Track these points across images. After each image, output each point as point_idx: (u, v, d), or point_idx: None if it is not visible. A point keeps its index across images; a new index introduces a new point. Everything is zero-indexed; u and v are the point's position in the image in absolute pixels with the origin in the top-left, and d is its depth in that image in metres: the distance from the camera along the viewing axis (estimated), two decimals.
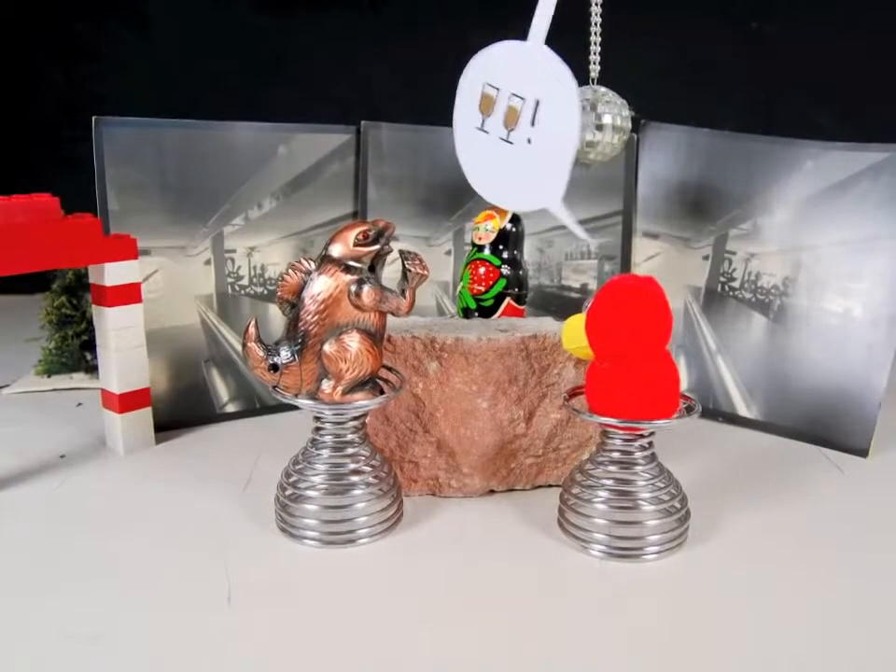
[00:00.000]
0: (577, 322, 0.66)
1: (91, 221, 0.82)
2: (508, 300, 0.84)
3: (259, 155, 0.95)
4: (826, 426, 0.88)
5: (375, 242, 0.66)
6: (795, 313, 0.90)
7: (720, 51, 1.38)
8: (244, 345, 0.68)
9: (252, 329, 0.67)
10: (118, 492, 0.78)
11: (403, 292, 0.67)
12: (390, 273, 0.71)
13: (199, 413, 0.94)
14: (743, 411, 0.93)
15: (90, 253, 0.81)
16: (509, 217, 0.85)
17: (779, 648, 0.55)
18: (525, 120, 0.60)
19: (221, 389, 0.95)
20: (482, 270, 0.84)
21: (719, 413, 0.95)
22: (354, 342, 0.66)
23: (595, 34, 0.76)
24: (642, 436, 0.66)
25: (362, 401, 0.67)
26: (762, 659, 0.54)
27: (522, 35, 1.43)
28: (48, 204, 0.80)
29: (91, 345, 1.08)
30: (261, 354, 0.67)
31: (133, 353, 0.85)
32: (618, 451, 0.67)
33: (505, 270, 0.84)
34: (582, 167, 0.98)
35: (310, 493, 0.69)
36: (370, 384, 0.68)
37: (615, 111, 0.76)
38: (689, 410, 0.67)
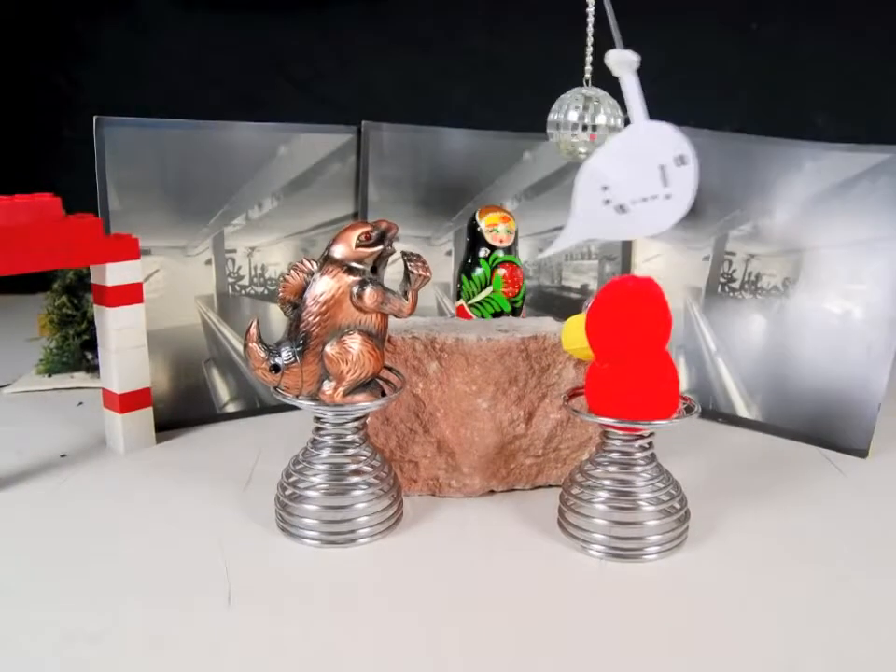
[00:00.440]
0: (577, 322, 0.66)
1: (92, 221, 0.82)
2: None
3: (260, 155, 0.95)
4: (826, 426, 0.88)
5: (378, 243, 0.66)
6: (795, 314, 0.90)
7: (720, 51, 1.38)
8: (245, 346, 0.68)
9: (253, 330, 0.67)
10: (118, 491, 0.78)
11: (405, 294, 0.68)
12: (391, 273, 0.71)
13: (199, 413, 0.94)
14: (743, 411, 0.93)
15: (91, 253, 0.81)
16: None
17: (779, 648, 0.55)
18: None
19: (222, 389, 0.95)
20: (516, 272, 0.83)
21: (718, 413, 0.95)
22: (355, 343, 0.66)
23: (590, 34, 0.76)
24: (642, 436, 0.66)
25: (363, 403, 0.67)
26: (761, 659, 0.54)
27: (522, 34, 1.43)
28: (49, 204, 0.80)
29: (91, 345, 1.08)
30: (263, 354, 0.67)
31: (135, 353, 0.85)
32: (618, 451, 0.67)
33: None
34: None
35: (310, 493, 0.69)
36: (371, 384, 0.68)
37: (608, 112, 0.76)
38: (688, 410, 0.67)
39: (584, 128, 0.75)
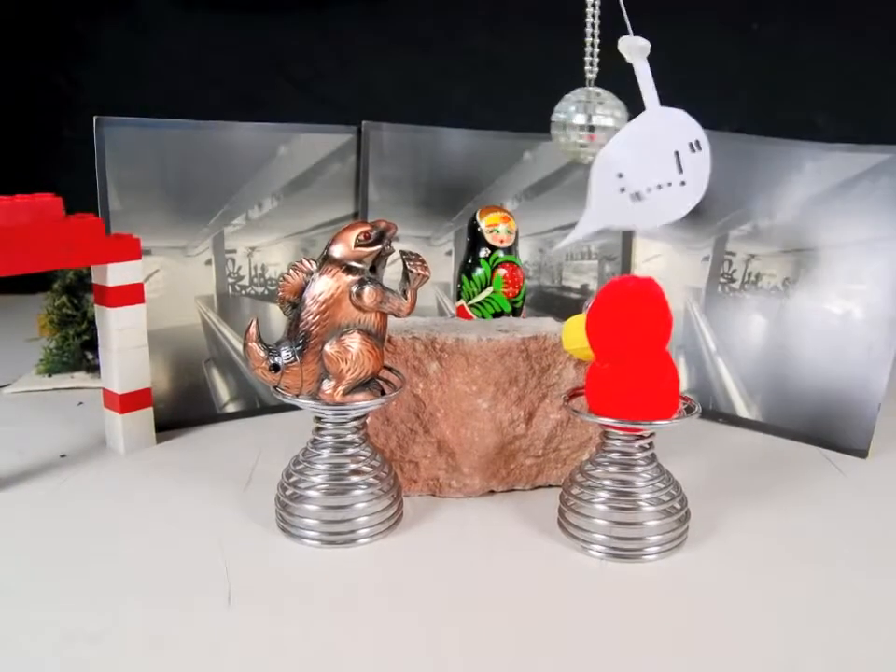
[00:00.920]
0: (577, 323, 0.66)
1: (93, 221, 0.82)
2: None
3: (260, 155, 0.95)
4: (826, 427, 0.88)
5: (377, 242, 0.66)
6: (795, 314, 0.90)
7: (720, 51, 1.38)
8: (245, 345, 0.68)
9: (253, 330, 0.67)
10: (118, 491, 0.78)
11: (405, 293, 0.68)
12: (391, 273, 0.71)
13: (199, 413, 0.94)
14: (743, 412, 0.93)
15: (92, 253, 0.81)
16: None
17: (779, 648, 0.55)
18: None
19: (222, 389, 0.95)
20: (516, 273, 0.83)
21: (719, 413, 0.95)
22: (355, 342, 0.66)
23: (592, 35, 0.76)
24: (642, 436, 0.66)
25: (363, 402, 0.67)
26: (762, 659, 0.54)
27: (522, 34, 1.43)
28: (50, 204, 0.80)
29: (92, 345, 1.08)
30: (262, 354, 0.67)
31: (135, 353, 0.85)
32: (618, 451, 0.67)
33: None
34: (584, 168, 0.99)
35: (310, 493, 0.69)
36: (370, 384, 0.68)
37: (609, 112, 0.76)
38: (689, 410, 0.67)
39: (589, 129, 0.75)
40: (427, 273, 0.68)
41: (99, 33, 1.54)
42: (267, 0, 1.49)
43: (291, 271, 0.66)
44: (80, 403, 1.01)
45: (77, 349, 1.10)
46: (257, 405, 0.97)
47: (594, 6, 0.74)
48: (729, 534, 0.70)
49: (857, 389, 0.86)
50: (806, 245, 0.90)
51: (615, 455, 0.67)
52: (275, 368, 0.67)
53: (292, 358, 0.66)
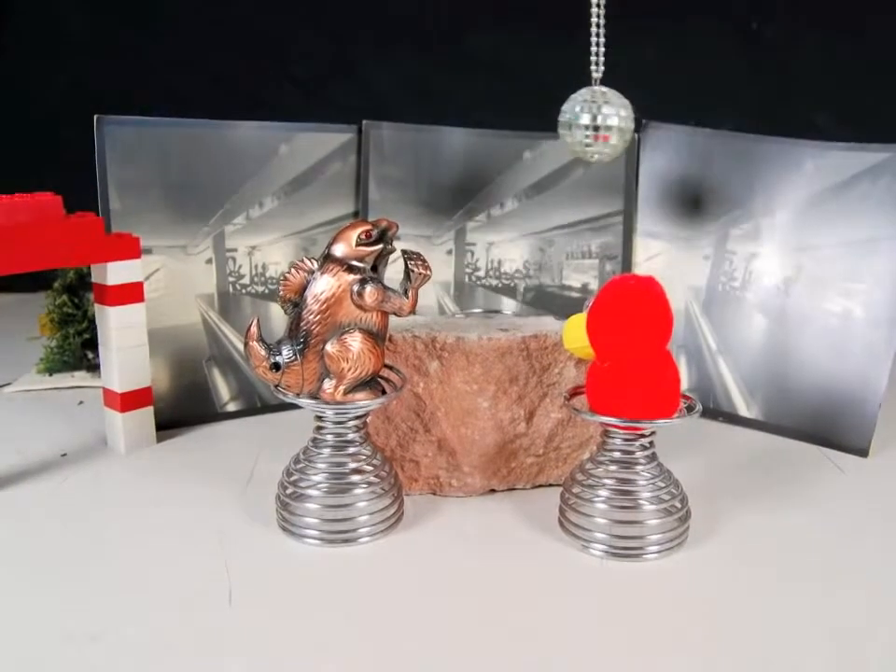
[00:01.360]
0: (578, 321, 0.66)
1: (93, 220, 0.82)
2: None
3: (261, 154, 0.95)
4: (826, 426, 0.88)
5: (378, 241, 0.67)
6: (796, 313, 0.90)
7: (720, 51, 1.39)
8: (245, 344, 0.68)
9: (254, 329, 0.67)
10: (119, 491, 0.78)
11: (406, 292, 0.68)
12: (392, 272, 0.71)
13: (200, 412, 0.94)
14: (743, 410, 0.94)
15: (92, 252, 0.81)
16: None
17: (779, 648, 0.55)
18: None
19: (222, 388, 0.95)
20: None
21: (719, 412, 0.95)
22: (356, 341, 0.66)
23: (597, 34, 0.76)
24: (643, 435, 0.66)
25: (364, 401, 0.67)
26: (762, 659, 0.54)
27: (522, 34, 1.43)
28: (50, 203, 0.80)
29: (92, 344, 1.08)
30: (263, 353, 0.67)
31: (135, 352, 0.85)
32: (618, 450, 0.67)
33: None
34: (584, 167, 0.99)
35: (311, 492, 0.69)
36: (371, 383, 0.68)
37: (616, 111, 0.76)
38: (689, 409, 0.67)
39: (596, 128, 0.75)
40: (428, 272, 0.68)
41: (99, 32, 1.54)
42: None
43: (292, 270, 0.66)
44: (81, 402, 1.01)
45: (77, 348, 1.10)
46: (257, 404, 0.97)
47: (598, 5, 0.74)
48: (729, 533, 0.70)
49: (857, 388, 0.86)
50: (807, 244, 0.90)
51: (616, 454, 0.67)
52: (276, 367, 0.67)
53: (293, 357, 0.66)
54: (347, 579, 0.63)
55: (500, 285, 1.02)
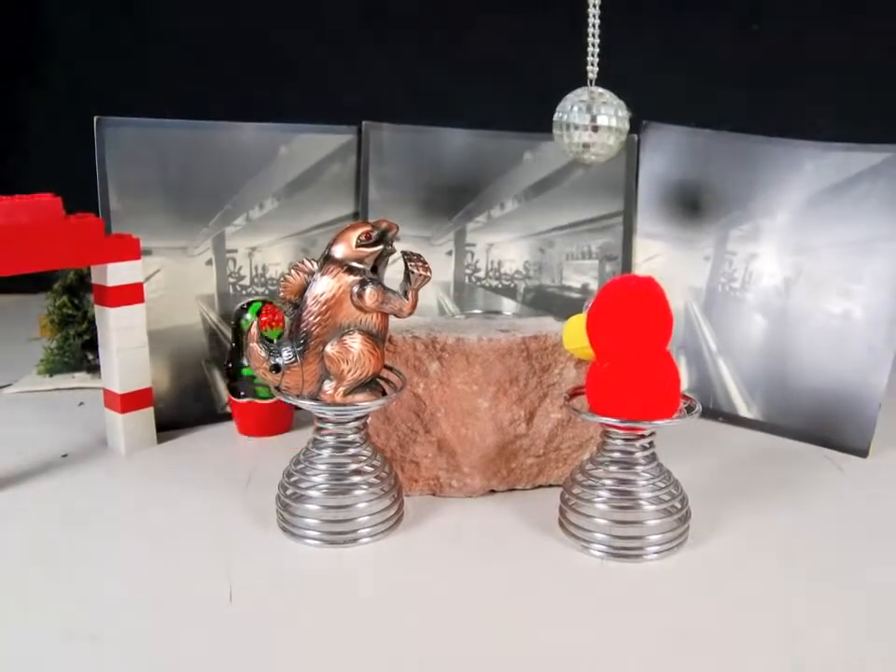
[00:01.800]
0: (578, 322, 0.66)
1: (93, 221, 0.82)
2: None
3: (261, 155, 0.95)
4: (826, 426, 0.88)
5: (378, 243, 0.67)
6: (796, 313, 0.90)
7: (720, 51, 1.38)
8: (245, 345, 0.68)
9: (254, 330, 0.67)
10: (119, 492, 0.78)
11: (406, 293, 0.68)
12: (391, 272, 0.71)
13: (200, 413, 0.94)
14: (743, 411, 0.94)
15: (92, 253, 0.81)
16: None
17: (779, 648, 0.55)
18: None
19: (223, 389, 0.95)
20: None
21: (719, 413, 0.95)
22: (356, 343, 0.66)
23: (593, 35, 0.76)
24: (643, 436, 0.67)
25: (364, 402, 0.67)
26: (762, 659, 0.54)
27: (522, 34, 1.43)
28: (50, 204, 0.80)
29: (92, 345, 1.08)
30: (263, 354, 0.67)
31: (135, 353, 0.85)
32: (618, 451, 0.67)
33: None
34: (584, 167, 0.99)
35: (311, 492, 0.69)
36: (371, 384, 0.68)
37: (611, 112, 0.76)
38: (689, 410, 0.67)
39: (592, 128, 0.75)
40: (428, 273, 0.68)
41: (100, 32, 1.54)
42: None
43: (292, 271, 0.66)
44: (81, 403, 1.02)
45: (77, 349, 1.10)
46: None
47: (595, 5, 0.75)
48: (729, 533, 0.70)
49: (857, 388, 0.86)
50: (807, 244, 0.90)
51: (616, 455, 0.67)
52: (276, 368, 0.67)
53: (293, 359, 0.67)
54: (347, 579, 0.63)
55: (500, 285, 1.02)
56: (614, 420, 0.64)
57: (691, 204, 0.97)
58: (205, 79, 1.48)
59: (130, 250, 0.83)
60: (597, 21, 0.75)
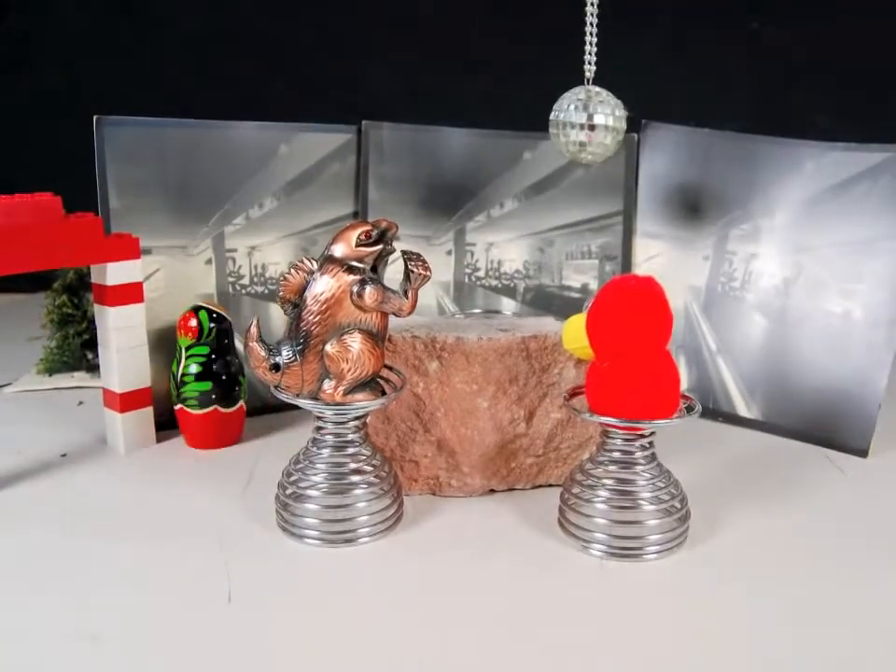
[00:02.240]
0: (577, 322, 0.66)
1: (92, 220, 0.82)
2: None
3: (261, 154, 0.95)
4: (826, 426, 0.88)
5: (378, 242, 0.67)
6: (795, 313, 0.90)
7: (720, 51, 1.38)
8: (245, 345, 0.68)
9: (254, 329, 0.67)
10: (119, 491, 0.78)
11: (405, 293, 0.68)
12: (391, 272, 0.71)
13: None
14: (743, 411, 0.93)
15: (91, 252, 0.81)
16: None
17: (779, 648, 0.55)
18: None
19: None
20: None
21: (719, 413, 0.95)
22: (355, 342, 0.66)
23: (591, 34, 0.76)
24: (642, 436, 0.66)
25: (363, 402, 0.67)
26: (761, 659, 0.54)
27: (521, 34, 1.43)
28: (49, 203, 0.80)
29: (92, 344, 1.08)
30: (263, 353, 0.67)
31: (135, 352, 0.85)
32: (618, 451, 0.67)
33: None
34: (584, 167, 0.99)
35: (311, 492, 0.69)
36: (371, 384, 0.68)
37: (608, 111, 0.76)
38: (689, 409, 0.67)
39: (589, 127, 0.75)
40: (428, 272, 0.68)
41: (101, 31, 1.54)
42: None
43: (292, 270, 0.66)
44: (81, 402, 1.01)
45: (77, 348, 1.10)
46: (257, 404, 0.97)
47: (593, 4, 0.75)
48: (729, 533, 0.70)
49: (857, 388, 0.86)
50: (807, 244, 0.90)
51: (615, 455, 0.67)
52: (276, 367, 0.67)
53: (293, 358, 0.66)
54: (347, 579, 0.63)
55: (500, 285, 1.02)
56: (614, 420, 0.64)
57: (691, 204, 0.97)
58: (205, 79, 1.49)
59: (129, 250, 0.83)
60: (595, 20, 0.75)
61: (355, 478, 0.69)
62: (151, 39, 1.52)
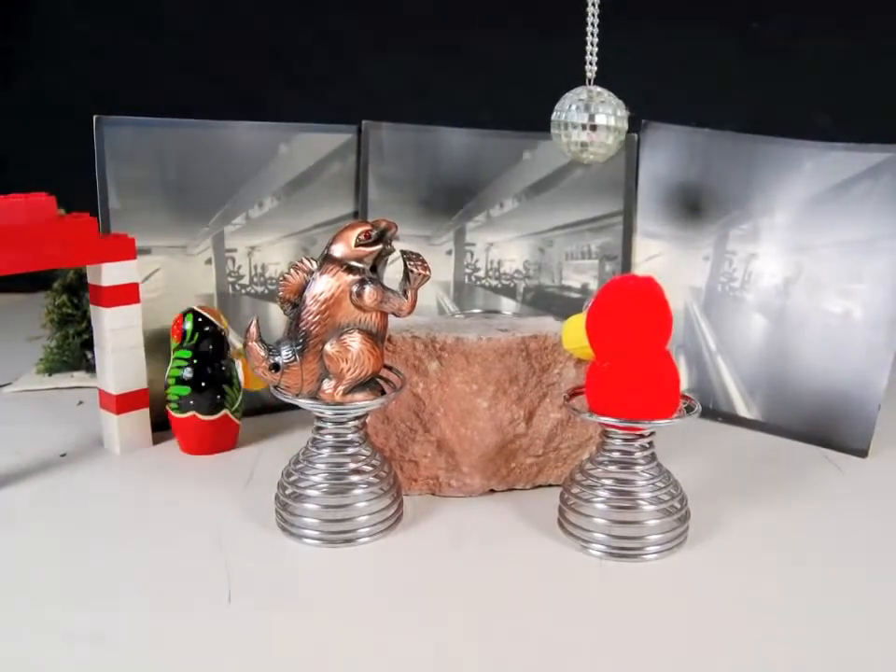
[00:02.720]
0: (577, 322, 0.66)
1: (87, 221, 0.82)
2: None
3: (260, 154, 0.95)
4: (826, 426, 0.88)
5: (377, 242, 0.66)
6: (795, 313, 0.90)
7: (720, 51, 1.38)
8: (245, 345, 0.68)
9: (253, 329, 0.67)
10: (119, 491, 0.78)
11: (405, 293, 0.68)
12: (391, 272, 0.71)
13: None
14: (743, 411, 0.93)
15: (87, 253, 0.81)
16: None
17: (779, 648, 0.55)
18: None
19: None
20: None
21: (719, 413, 0.95)
22: (355, 342, 0.66)
23: (592, 34, 0.76)
24: (642, 436, 0.66)
25: (363, 402, 0.67)
26: (761, 659, 0.54)
27: (521, 34, 1.43)
28: (44, 204, 0.79)
29: (92, 344, 1.07)
30: (263, 353, 0.67)
31: (130, 353, 0.85)
32: (618, 451, 0.67)
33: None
34: (584, 167, 0.99)
35: (310, 492, 0.69)
36: (370, 383, 0.68)
37: (609, 111, 0.75)
38: (689, 410, 0.67)
39: (591, 128, 0.75)
40: (427, 272, 0.68)
41: (100, 31, 1.54)
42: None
43: (292, 270, 0.66)
44: (80, 402, 1.01)
45: (76, 348, 1.10)
46: (256, 404, 0.97)
47: (594, 4, 0.74)
48: (729, 533, 0.70)
49: (857, 389, 0.86)
50: (807, 244, 0.90)
51: (615, 455, 0.67)
52: (275, 367, 0.67)
53: (292, 358, 0.66)
54: (347, 579, 0.63)
55: (500, 285, 1.02)
56: (614, 420, 0.64)
57: (691, 204, 0.97)
58: (205, 79, 1.48)
59: (125, 250, 0.83)
60: (597, 21, 0.75)
61: (354, 478, 0.69)
62: (151, 39, 1.52)
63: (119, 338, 0.84)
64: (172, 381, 0.83)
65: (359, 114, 0.99)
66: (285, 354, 0.67)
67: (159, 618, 0.58)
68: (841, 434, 0.87)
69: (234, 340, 0.89)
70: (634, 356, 0.63)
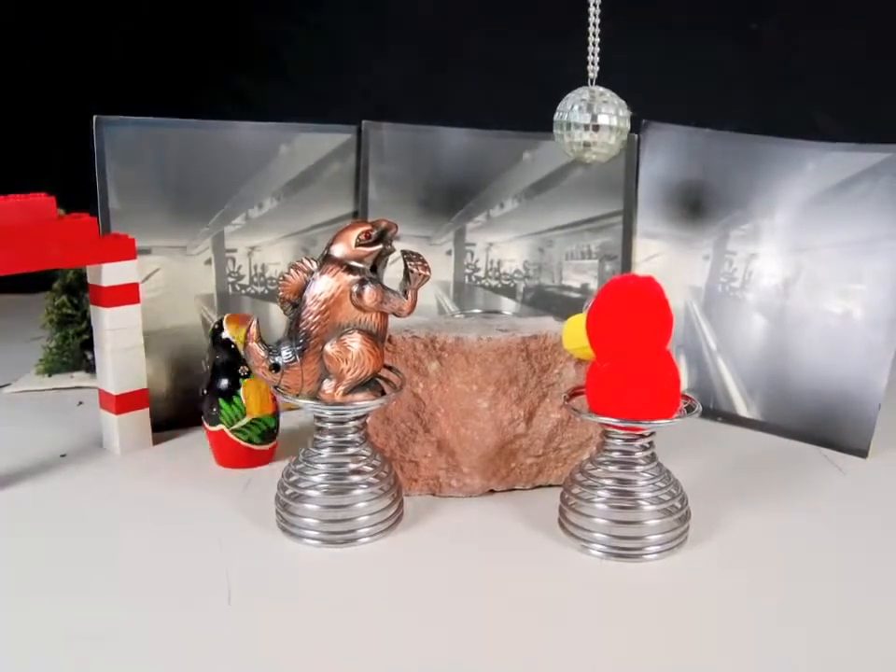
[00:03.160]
0: (577, 322, 0.66)
1: (87, 221, 0.81)
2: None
3: (260, 154, 0.95)
4: (826, 426, 0.88)
5: (377, 242, 0.66)
6: (795, 313, 0.90)
7: (720, 51, 1.38)
8: (245, 345, 0.68)
9: (253, 329, 0.67)
10: (118, 492, 0.78)
11: (405, 293, 0.68)
12: (391, 272, 0.71)
13: (199, 413, 0.93)
14: (743, 411, 0.93)
15: (86, 253, 0.81)
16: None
17: (779, 648, 0.55)
18: None
19: None
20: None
21: (719, 413, 0.95)
22: (355, 342, 0.66)
23: (594, 34, 0.76)
24: (642, 436, 0.66)
25: (363, 402, 0.67)
26: (761, 659, 0.54)
27: (521, 34, 1.43)
28: (43, 204, 0.79)
29: (91, 344, 1.07)
30: (263, 354, 0.67)
31: (130, 354, 0.85)
32: (618, 451, 0.67)
33: None
34: (584, 167, 0.99)
35: (310, 492, 0.69)
36: (371, 384, 0.68)
37: (612, 111, 0.75)
38: (689, 410, 0.67)
39: (592, 128, 0.75)
40: (427, 272, 0.68)
41: (100, 31, 1.54)
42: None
43: (292, 270, 0.66)
44: (80, 403, 1.01)
45: (76, 349, 1.10)
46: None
47: (595, 4, 0.74)
48: (729, 533, 0.70)
49: (857, 389, 0.86)
50: (807, 244, 0.90)
51: (615, 455, 0.67)
52: (276, 367, 0.67)
53: (292, 358, 0.66)
54: (347, 579, 0.63)
55: (500, 285, 1.02)
56: (614, 420, 0.64)
57: (691, 204, 0.97)
58: (205, 79, 1.48)
59: (125, 250, 0.83)
60: (598, 21, 0.75)
61: (354, 478, 0.69)
62: (151, 39, 1.52)
63: (119, 338, 0.84)
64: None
65: (359, 114, 0.99)
66: (285, 354, 0.67)
67: (159, 618, 0.58)
68: (841, 434, 0.87)
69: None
70: (634, 356, 0.63)
